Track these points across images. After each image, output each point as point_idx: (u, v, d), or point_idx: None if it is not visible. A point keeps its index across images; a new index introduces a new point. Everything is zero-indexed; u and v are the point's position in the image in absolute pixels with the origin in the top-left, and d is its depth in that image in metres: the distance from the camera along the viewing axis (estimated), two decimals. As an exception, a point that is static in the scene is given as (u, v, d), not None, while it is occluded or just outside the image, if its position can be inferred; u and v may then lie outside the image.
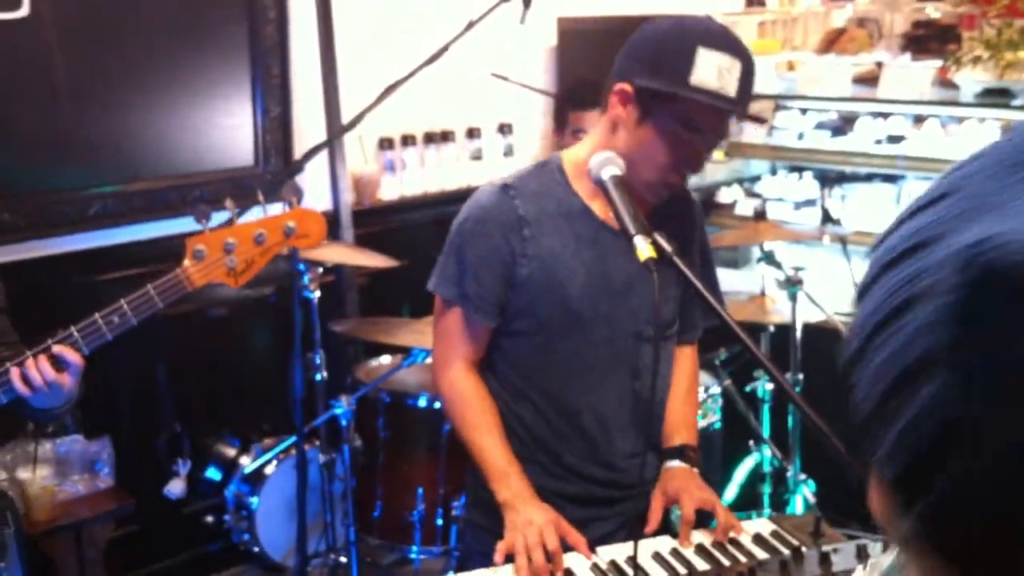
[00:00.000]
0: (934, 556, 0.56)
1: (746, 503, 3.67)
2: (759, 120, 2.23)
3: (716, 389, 3.60)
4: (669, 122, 1.90)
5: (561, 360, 2.04)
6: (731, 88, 1.85)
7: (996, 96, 3.74)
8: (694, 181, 4.48)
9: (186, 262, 2.07)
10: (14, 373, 2.00)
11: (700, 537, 1.97)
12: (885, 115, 4.13)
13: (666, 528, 2.04)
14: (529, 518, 1.92)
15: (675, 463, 2.10)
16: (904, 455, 0.56)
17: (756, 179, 4.65)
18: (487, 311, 2.03)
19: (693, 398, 2.26)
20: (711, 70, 1.84)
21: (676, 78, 1.85)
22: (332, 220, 3.82)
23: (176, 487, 3.46)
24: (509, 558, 1.90)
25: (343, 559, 3.35)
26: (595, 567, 1.88)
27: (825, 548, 1.79)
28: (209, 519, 3.63)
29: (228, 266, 2.09)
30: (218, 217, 2.11)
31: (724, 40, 1.87)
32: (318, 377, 3.26)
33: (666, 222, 1.94)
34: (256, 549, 3.51)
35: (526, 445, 2.09)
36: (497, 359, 2.10)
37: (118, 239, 3.42)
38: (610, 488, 2.11)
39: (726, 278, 4.22)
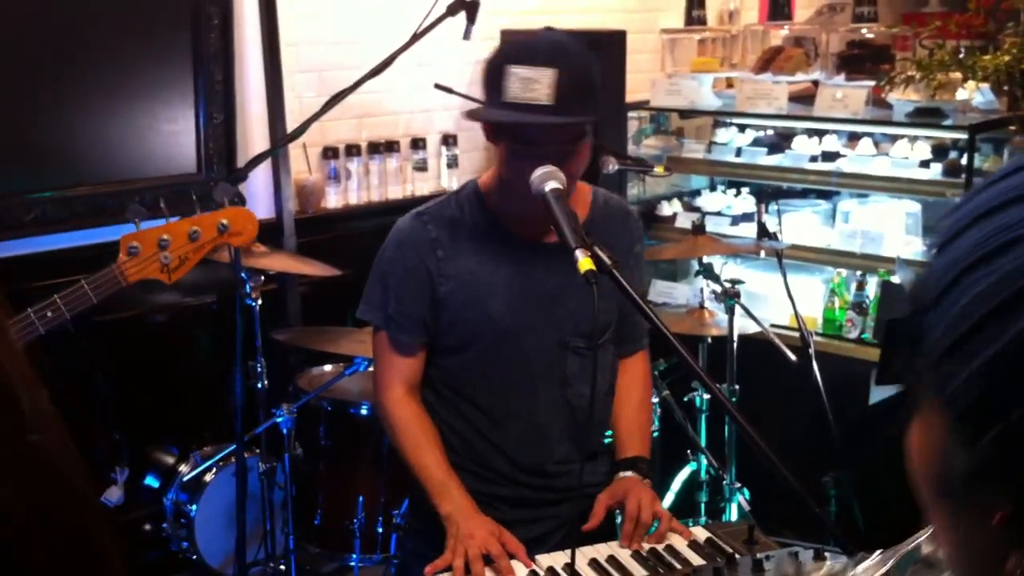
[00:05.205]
0: (991, 493, 0.56)
1: (683, 511, 3.72)
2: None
3: (654, 399, 3.65)
4: (505, 140, 2.00)
5: (490, 372, 2.11)
6: (542, 96, 1.90)
7: (928, 116, 3.84)
8: (634, 193, 4.56)
9: (121, 257, 2.11)
10: None
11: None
12: (821, 133, 4.23)
13: (610, 533, 2.08)
14: (470, 531, 1.95)
15: (627, 474, 2.15)
16: (986, 383, 0.56)
17: (696, 193, 4.72)
18: (411, 328, 2.10)
19: (647, 406, 2.31)
20: (517, 84, 1.92)
21: (492, 99, 1.98)
22: (275, 228, 3.82)
23: (114, 495, 3.42)
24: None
25: (282, 567, 3.34)
26: (532, 574, 1.91)
27: (759, 555, 1.84)
28: (147, 527, 3.60)
29: (162, 262, 2.13)
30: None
31: (536, 51, 1.94)
32: (259, 385, 3.26)
33: (603, 234, 1.99)
34: (195, 557, 3.49)
35: (458, 455, 2.13)
36: (432, 373, 2.17)
37: (57, 245, 3.38)
38: (543, 492, 2.16)
39: (665, 290, 4.30)
